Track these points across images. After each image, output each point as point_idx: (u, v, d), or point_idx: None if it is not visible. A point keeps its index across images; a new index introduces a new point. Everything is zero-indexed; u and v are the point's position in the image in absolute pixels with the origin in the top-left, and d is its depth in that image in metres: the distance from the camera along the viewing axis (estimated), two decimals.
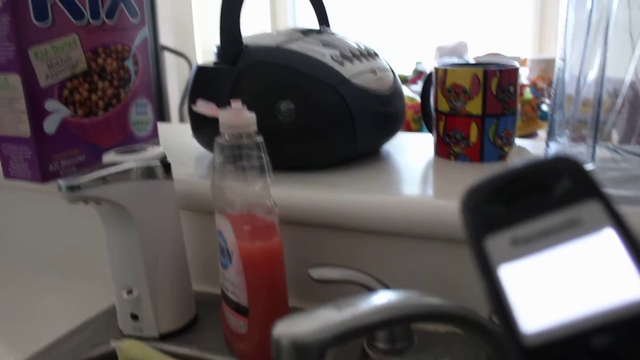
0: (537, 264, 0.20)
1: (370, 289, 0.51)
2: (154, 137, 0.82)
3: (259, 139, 0.50)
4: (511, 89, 0.68)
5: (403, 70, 2.60)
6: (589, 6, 0.59)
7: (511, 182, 0.22)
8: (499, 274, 0.20)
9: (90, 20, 0.70)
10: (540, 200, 0.21)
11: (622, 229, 0.20)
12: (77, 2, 0.68)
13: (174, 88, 3.04)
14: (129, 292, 0.57)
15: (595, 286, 0.19)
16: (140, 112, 0.79)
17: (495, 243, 0.21)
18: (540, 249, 0.20)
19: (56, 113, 0.67)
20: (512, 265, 0.20)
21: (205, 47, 3.22)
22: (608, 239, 0.20)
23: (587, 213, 0.20)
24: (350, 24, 3.31)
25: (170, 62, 3.07)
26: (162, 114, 2.91)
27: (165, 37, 3.03)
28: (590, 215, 0.20)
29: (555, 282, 0.20)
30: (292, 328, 0.32)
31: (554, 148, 0.65)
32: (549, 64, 2.40)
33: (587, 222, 0.20)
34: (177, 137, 0.91)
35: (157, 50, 2.91)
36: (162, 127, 0.86)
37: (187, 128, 0.95)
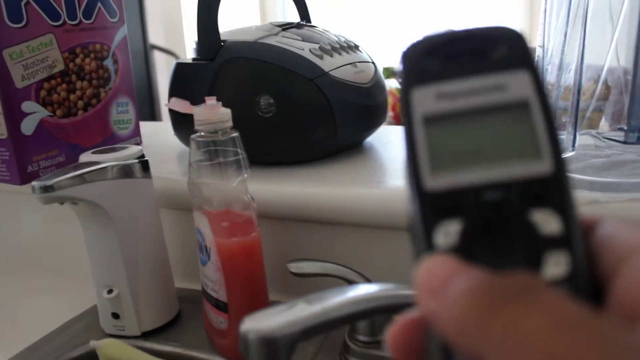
0: (455, 120, 0.21)
1: (350, 282, 0.50)
2: (136, 136, 0.82)
3: (235, 134, 0.50)
4: None
5: (393, 62, 2.59)
6: None
7: (451, 42, 0.23)
8: (416, 123, 0.21)
9: (67, 20, 0.70)
10: (474, 62, 0.22)
11: (542, 101, 0.21)
12: (53, 3, 0.68)
13: (164, 86, 3.03)
14: (109, 291, 0.57)
15: (502, 148, 0.21)
16: (121, 111, 0.79)
17: (421, 95, 0.22)
18: (461, 106, 0.21)
19: (34, 114, 0.67)
20: (431, 116, 0.21)
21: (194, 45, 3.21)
22: (525, 108, 0.21)
23: (514, 81, 0.21)
24: (339, 18, 3.30)
25: (160, 61, 3.06)
26: (152, 113, 2.90)
27: (155, 36, 3.02)
28: (516, 83, 0.21)
29: (467, 140, 0.21)
30: (260, 323, 0.31)
31: None
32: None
33: (511, 89, 0.21)
34: (162, 136, 0.91)
35: (147, 49, 2.90)
36: (150, 125, 0.85)
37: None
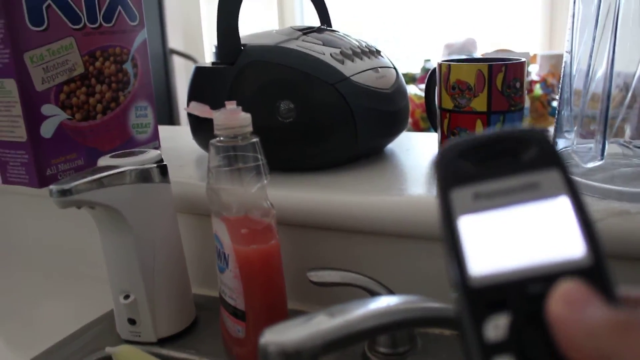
0: (493, 218, 0.23)
1: (371, 292, 0.49)
2: (154, 140, 0.81)
3: (255, 139, 0.49)
4: (517, 84, 0.67)
5: (412, 68, 2.58)
6: None
7: (483, 144, 0.24)
8: (457, 223, 0.23)
9: (87, 24, 0.69)
10: (506, 163, 0.23)
11: (575, 196, 0.22)
12: (74, 6, 0.68)
13: (183, 91, 3.04)
14: (126, 296, 0.56)
15: (541, 242, 0.22)
16: (140, 115, 0.78)
17: (459, 195, 0.23)
18: (499, 205, 0.23)
19: (53, 117, 0.66)
20: (471, 216, 0.23)
21: (213, 49, 3.22)
22: (561, 205, 0.22)
23: (546, 180, 0.23)
24: (358, 23, 3.29)
25: (179, 65, 3.08)
26: (170, 117, 2.91)
27: (174, 40, 3.03)
28: (549, 182, 0.23)
29: (507, 236, 0.22)
30: (281, 335, 0.30)
31: (562, 144, 0.63)
32: (559, 59, 2.37)
33: (545, 188, 0.23)
34: (181, 140, 0.90)
35: (166, 53, 2.91)
36: (169, 129, 0.85)
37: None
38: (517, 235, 0.22)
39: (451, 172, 0.24)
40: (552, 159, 0.23)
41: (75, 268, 0.78)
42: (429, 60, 2.58)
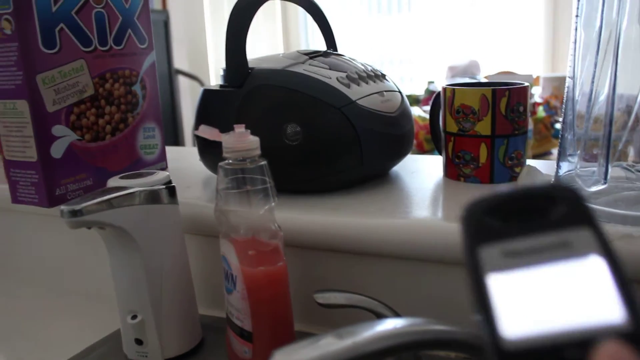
0: (524, 277, 0.22)
1: (377, 314, 0.50)
2: (162, 161, 0.82)
3: (263, 162, 0.50)
4: (521, 108, 0.68)
5: (415, 90, 2.60)
6: (597, 23, 0.58)
7: (511, 200, 0.24)
8: (487, 281, 0.22)
9: (98, 46, 0.71)
10: (536, 220, 0.23)
11: (610, 258, 0.21)
12: (85, 29, 0.69)
13: (188, 111, 3.06)
14: (134, 317, 0.57)
15: (576, 305, 0.21)
16: (148, 136, 0.79)
17: (487, 253, 0.22)
18: (529, 263, 0.22)
19: (63, 138, 0.67)
20: (501, 274, 0.22)
21: (219, 70, 3.25)
22: (594, 265, 0.21)
23: (577, 238, 0.22)
24: (361, 45, 3.32)
25: (184, 86, 3.10)
26: (175, 138, 2.93)
27: (179, 61, 3.06)
28: (580, 240, 0.22)
29: (539, 296, 0.21)
30: (290, 356, 0.31)
31: (565, 168, 0.64)
32: (562, 81, 2.38)
33: (576, 247, 0.22)
34: (186, 161, 0.91)
35: (171, 73, 2.94)
36: (174, 150, 0.86)
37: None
38: (550, 296, 0.21)
39: (478, 228, 0.23)
40: (583, 217, 0.22)
41: (80, 287, 0.79)
42: (432, 82, 2.60)
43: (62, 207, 0.50)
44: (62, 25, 0.66)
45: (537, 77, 2.42)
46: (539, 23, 3.04)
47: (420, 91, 2.57)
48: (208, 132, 0.49)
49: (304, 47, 3.36)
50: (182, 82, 3.09)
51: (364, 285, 0.60)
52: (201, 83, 2.92)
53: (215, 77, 3.34)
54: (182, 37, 3.14)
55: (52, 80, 0.66)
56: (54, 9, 0.65)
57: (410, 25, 3.32)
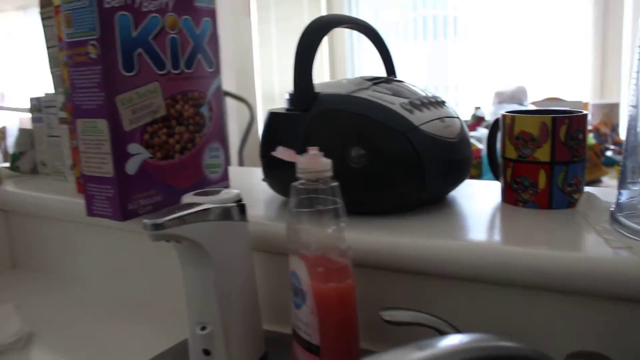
0: None
1: (441, 332, 0.51)
2: (224, 180, 0.85)
3: (335, 184, 0.52)
4: (580, 136, 0.68)
5: (461, 116, 2.60)
6: None
7: None
8: None
9: (171, 70, 0.75)
10: None
11: None
12: (160, 53, 0.73)
13: (234, 132, 3.12)
14: (203, 328, 0.59)
15: None
16: (213, 156, 0.83)
17: None
18: None
19: (137, 155, 0.71)
20: None
21: (266, 93, 3.31)
22: None
23: None
24: (407, 71, 3.35)
25: (230, 107, 3.17)
26: None
27: (227, 83, 3.13)
28: None
29: None
30: None
31: (626, 195, 0.64)
32: (611, 108, 2.36)
33: None
34: (241, 180, 0.94)
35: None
36: (231, 170, 0.89)
37: (249, 171, 0.99)
38: None
39: None
40: None
41: (145, 298, 0.82)
42: (479, 107, 2.60)
43: (146, 220, 0.53)
44: (140, 50, 0.70)
45: (586, 104, 2.40)
46: (587, 49, 3.01)
47: (466, 116, 2.57)
48: (285, 154, 0.52)
49: (349, 74, 3.40)
50: (229, 104, 3.16)
51: (426, 304, 0.61)
52: (248, 105, 2.98)
53: (262, 100, 3.40)
54: (230, 60, 3.22)
55: (130, 101, 0.70)
56: (134, 34, 0.69)
57: (456, 51, 3.34)
